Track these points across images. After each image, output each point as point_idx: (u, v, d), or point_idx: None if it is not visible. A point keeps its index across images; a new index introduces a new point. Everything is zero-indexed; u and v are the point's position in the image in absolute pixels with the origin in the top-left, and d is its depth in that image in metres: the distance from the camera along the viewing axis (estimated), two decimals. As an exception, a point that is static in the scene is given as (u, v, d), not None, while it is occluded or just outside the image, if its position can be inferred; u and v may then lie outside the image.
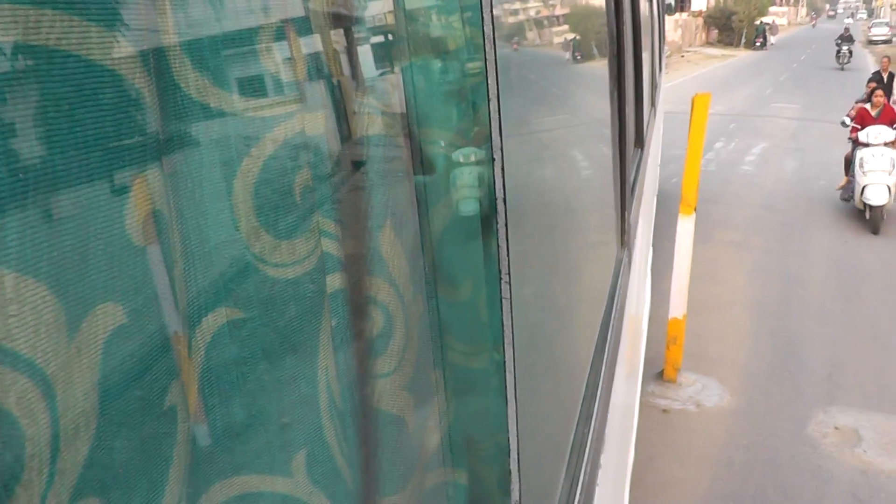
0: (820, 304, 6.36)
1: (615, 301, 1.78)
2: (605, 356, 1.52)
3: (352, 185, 0.70)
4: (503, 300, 0.76)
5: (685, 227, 4.74)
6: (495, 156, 0.79)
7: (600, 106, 2.11)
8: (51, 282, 0.36)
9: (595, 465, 1.33)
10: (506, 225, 0.78)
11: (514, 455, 0.82)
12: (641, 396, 4.39)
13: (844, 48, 26.25)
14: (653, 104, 5.75)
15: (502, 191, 0.78)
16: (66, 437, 0.37)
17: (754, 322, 6.05)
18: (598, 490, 1.36)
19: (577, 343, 1.42)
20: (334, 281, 0.64)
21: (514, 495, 0.83)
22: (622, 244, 2.22)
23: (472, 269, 0.80)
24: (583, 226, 1.63)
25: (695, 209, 4.70)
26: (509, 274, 0.77)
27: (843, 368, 5.21)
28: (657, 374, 5.15)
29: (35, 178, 0.35)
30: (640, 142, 3.89)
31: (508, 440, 0.81)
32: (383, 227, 0.71)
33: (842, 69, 25.10)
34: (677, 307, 4.84)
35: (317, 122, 0.64)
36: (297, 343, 0.58)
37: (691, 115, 4.49)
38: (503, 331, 0.77)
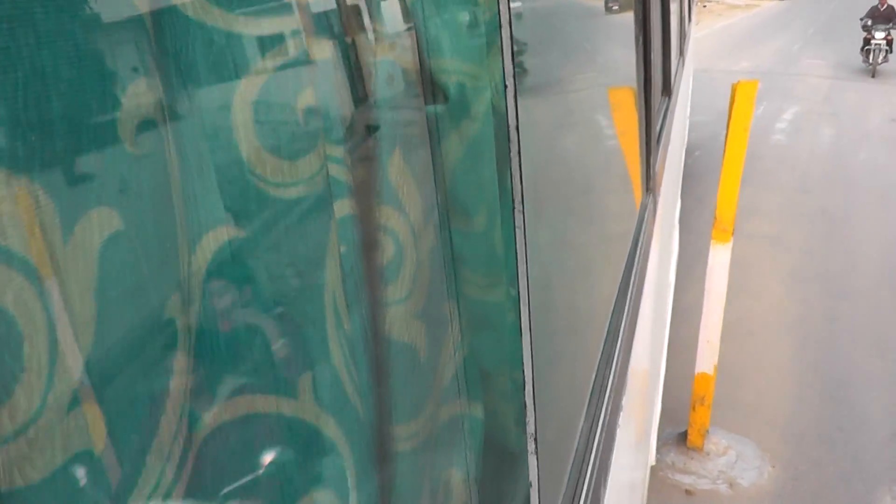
0: (873, 326, 5.11)
1: (639, 245, 1.76)
2: (629, 299, 1.51)
3: (360, 111, 0.69)
4: (516, 230, 0.75)
5: (719, 260, 3.51)
6: (507, 83, 0.77)
7: (624, 49, 2.07)
8: (44, 182, 0.36)
9: (616, 407, 1.33)
10: (519, 154, 0.77)
11: (528, 388, 0.82)
12: (658, 470, 3.70)
13: (879, 37, 14.13)
14: (681, 53, 5.63)
15: (515, 119, 0.77)
16: (64, 340, 0.37)
17: (796, 353, 4.81)
18: (619, 432, 1.36)
19: (599, 283, 1.40)
20: (342, 207, 0.64)
21: (530, 428, 0.83)
22: (647, 190, 2.19)
23: (486, 198, 0.79)
24: (604, 168, 1.61)
25: (732, 234, 3.49)
26: (523, 203, 0.76)
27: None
28: (679, 436, 4.00)
29: (28, 76, 0.34)
30: (667, 90, 3.82)
31: (523, 373, 0.81)
32: (392, 154, 0.70)
33: (872, 75, 14.37)
34: (706, 359, 3.71)
35: (323, 48, 0.63)
36: (303, 265, 0.58)
37: (731, 108, 3.31)
38: (517, 262, 0.76)
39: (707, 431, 3.88)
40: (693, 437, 3.89)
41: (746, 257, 6.05)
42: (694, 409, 3.82)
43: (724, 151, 3.36)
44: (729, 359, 4.35)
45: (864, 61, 14.84)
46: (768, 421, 4.10)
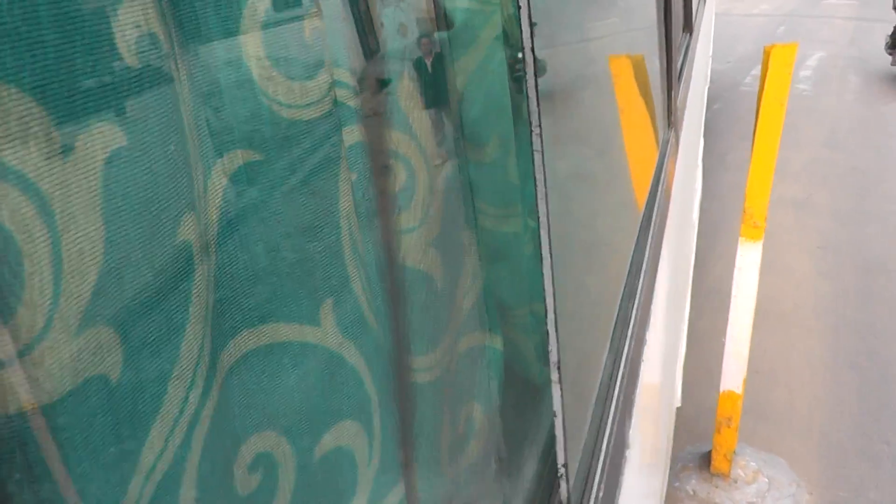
0: (913, 306, 4.35)
1: (661, 178, 1.73)
2: (651, 233, 1.49)
3: (367, 37, 0.67)
4: (535, 153, 0.73)
5: (748, 259, 2.89)
6: (521, 3, 0.74)
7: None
8: (37, 95, 0.34)
9: (640, 340, 1.32)
10: (535, 75, 0.74)
11: (551, 316, 0.80)
12: (677, 501, 3.21)
13: None
14: (702, -11, 5.48)
15: (530, 40, 0.74)
16: (69, 260, 0.36)
17: (829, 343, 4.13)
18: (643, 365, 1.36)
19: (620, 215, 1.38)
20: (351, 133, 0.62)
21: (553, 357, 0.82)
22: (669, 125, 2.15)
23: (501, 121, 0.77)
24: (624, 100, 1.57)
25: (764, 231, 2.87)
26: (540, 126, 0.74)
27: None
28: (701, 459, 3.38)
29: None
30: (688, 26, 3.73)
31: (545, 301, 0.80)
32: (401, 78, 0.68)
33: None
34: (734, 375, 3.08)
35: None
36: (316, 189, 0.56)
37: (763, 78, 2.71)
38: (535, 185, 0.74)
39: (734, 453, 3.31)
40: (718, 462, 3.29)
41: (771, 226, 5.01)
42: (719, 431, 3.21)
43: (755, 130, 2.73)
44: (755, 352, 3.62)
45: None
46: (802, 432, 3.50)
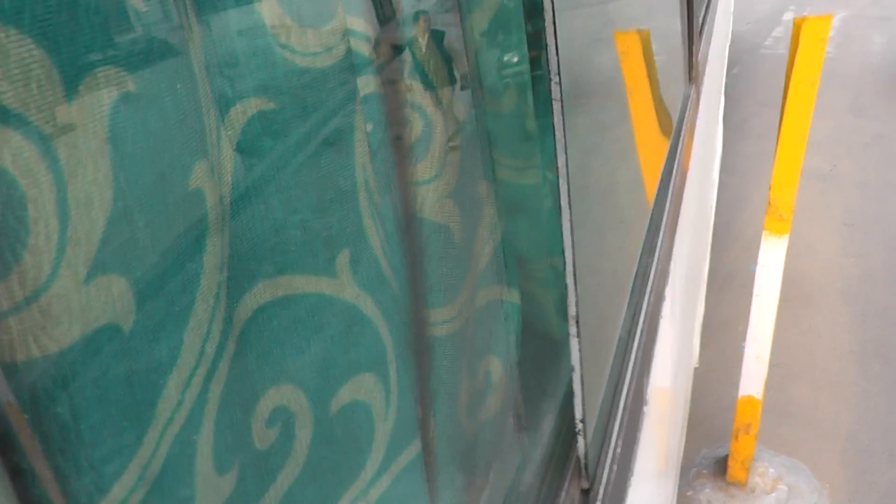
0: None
1: (682, 133, 1.70)
2: (671, 188, 1.47)
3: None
4: (554, 102, 0.72)
5: (772, 255, 2.65)
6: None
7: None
8: (37, 36, 0.33)
9: (659, 296, 1.30)
10: (554, 23, 0.72)
11: (569, 269, 0.79)
12: None
13: None
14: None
15: (549, -15, 0.72)
16: (76, 206, 0.35)
17: (856, 332, 3.78)
18: (662, 322, 1.34)
19: (641, 167, 1.36)
20: (367, 82, 0.61)
21: (571, 310, 0.81)
22: (690, 80, 2.11)
23: (519, 69, 0.75)
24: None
25: (790, 224, 2.60)
26: (559, 74, 0.72)
27: None
28: (716, 464, 3.14)
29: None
30: (710, -22, 3.65)
31: (564, 254, 0.78)
32: (416, 25, 0.66)
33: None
34: (754, 380, 2.83)
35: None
36: (332, 139, 0.55)
37: (792, 53, 2.41)
38: (555, 135, 0.72)
39: (752, 458, 3.06)
40: (735, 471, 3.04)
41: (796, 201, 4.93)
42: (737, 437, 2.96)
43: (782, 113, 2.44)
44: (776, 344, 3.07)
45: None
46: (826, 433, 3.23)
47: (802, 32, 2.31)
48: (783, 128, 2.46)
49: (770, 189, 2.57)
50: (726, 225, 4.60)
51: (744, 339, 2.80)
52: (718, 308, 3.95)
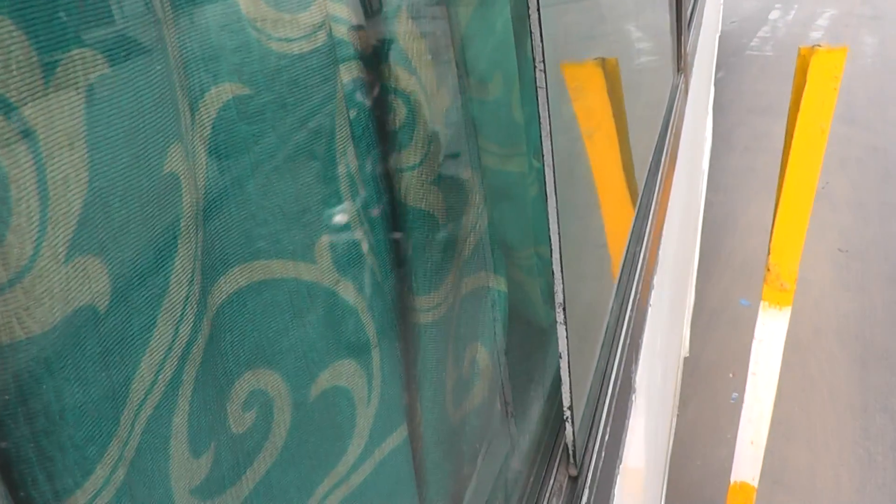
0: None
1: (670, 122, 1.70)
2: (660, 176, 1.47)
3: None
4: (538, 89, 0.72)
5: (772, 329, 2.27)
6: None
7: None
8: (18, 19, 0.33)
9: (647, 285, 1.31)
10: (538, 10, 0.72)
11: (556, 256, 0.79)
12: None
13: None
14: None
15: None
16: (54, 187, 0.35)
17: (856, 379, 3.39)
18: (650, 310, 1.35)
19: (628, 160, 1.36)
20: (349, 68, 0.60)
21: (558, 298, 0.82)
22: (678, 70, 2.11)
23: (504, 57, 0.75)
24: (632, 43, 1.54)
25: (793, 295, 2.25)
26: (544, 62, 0.72)
27: None
28: None
29: None
30: (700, -31, 3.65)
31: (550, 241, 0.78)
32: (401, 11, 0.66)
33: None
34: (748, 465, 2.45)
35: None
36: (312, 125, 0.55)
37: (798, 90, 2.02)
38: (540, 122, 0.72)
39: None
40: None
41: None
42: None
43: (784, 162, 2.05)
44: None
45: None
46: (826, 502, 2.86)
47: (811, 68, 1.90)
48: (786, 182, 2.06)
49: (769, 254, 2.18)
50: (713, 251, 4.24)
51: (734, 388, 2.54)
52: (705, 349, 3.60)
